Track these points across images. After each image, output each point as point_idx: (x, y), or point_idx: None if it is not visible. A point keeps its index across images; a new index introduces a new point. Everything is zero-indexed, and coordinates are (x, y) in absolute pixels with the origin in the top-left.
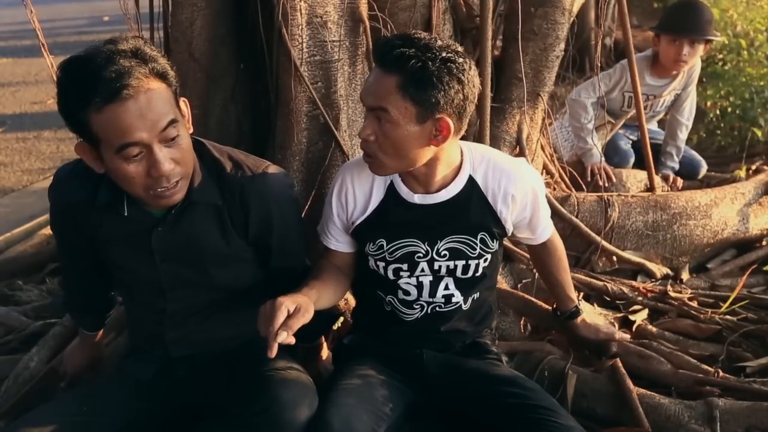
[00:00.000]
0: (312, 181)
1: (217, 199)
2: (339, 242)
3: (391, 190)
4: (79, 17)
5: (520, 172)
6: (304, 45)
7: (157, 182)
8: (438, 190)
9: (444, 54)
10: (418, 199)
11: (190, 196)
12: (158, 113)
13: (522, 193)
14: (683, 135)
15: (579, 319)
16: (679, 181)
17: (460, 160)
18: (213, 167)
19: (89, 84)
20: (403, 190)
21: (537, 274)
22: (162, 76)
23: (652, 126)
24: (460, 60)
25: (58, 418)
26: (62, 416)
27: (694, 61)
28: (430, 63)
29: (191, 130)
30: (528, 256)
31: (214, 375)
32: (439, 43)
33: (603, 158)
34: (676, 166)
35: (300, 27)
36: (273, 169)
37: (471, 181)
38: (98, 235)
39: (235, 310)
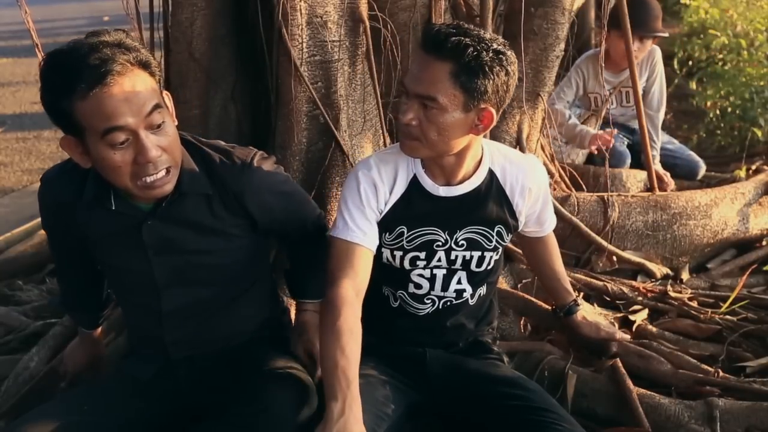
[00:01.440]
0: (312, 181)
1: (207, 188)
2: (366, 235)
3: (414, 184)
4: (78, 17)
5: (534, 167)
6: (304, 45)
7: (144, 169)
8: (460, 182)
9: (495, 45)
10: (442, 191)
11: (180, 187)
12: (143, 98)
13: (537, 187)
14: (656, 124)
15: (578, 315)
16: (671, 181)
17: (480, 154)
18: (201, 159)
19: (74, 71)
20: (428, 183)
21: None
22: (145, 66)
23: (635, 123)
24: (509, 53)
25: (58, 417)
26: (62, 416)
27: (643, 55)
28: (484, 53)
29: (176, 123)
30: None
31: (214, 375)
32: (489, 35)
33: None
34: (657, 154)
35: (300, 27)
36: (259, 156)
37: (491, 173)
38: (89, 234)
39: (234, 310)
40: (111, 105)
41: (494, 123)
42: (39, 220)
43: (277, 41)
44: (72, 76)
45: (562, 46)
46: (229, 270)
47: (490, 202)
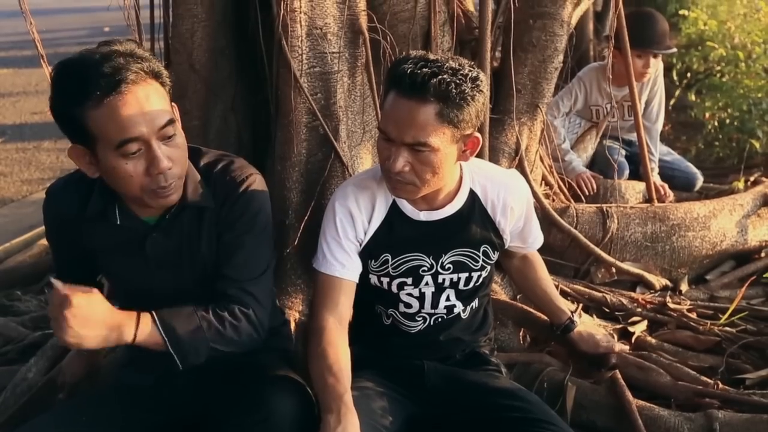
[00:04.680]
0: (311, 191)
1: (210, 202)
2: (345, 267)
3: (394, 209)
4: (79, 28)
5: (516, 184)
6: (304, 56)
7: (156, 181)
8: (442, 206)
9: (469, 72)
10: (423, 216)
11: (185, 199)
12: (157, 109)
13: (519, 204)
14: (654, 137)
15: (575, 332)
16: (670, 193)
17: (460, 174)
18: (205, 170)
19: (87, 79)
20: (408, 209)
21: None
22: (156, 76)
23: (633, 136)
24: (481, 74)
25: (56, 428)
26: (60, 426)
27: (655, 70)
28: (464, 85)
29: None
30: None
31: (212, 384)
32: (457, 62)
33: (584, 167)
34: (655, 165)
35: (300, 38)
36: (259, 179)
37: (472, 194)
38: (93, 246)
39: None
40: (125, 114)
41: (481, 145)
42: (38, 230)
43: (277, 53)
44: (85, 83)
45: (561, 58)
46: None
47: (473, 224)
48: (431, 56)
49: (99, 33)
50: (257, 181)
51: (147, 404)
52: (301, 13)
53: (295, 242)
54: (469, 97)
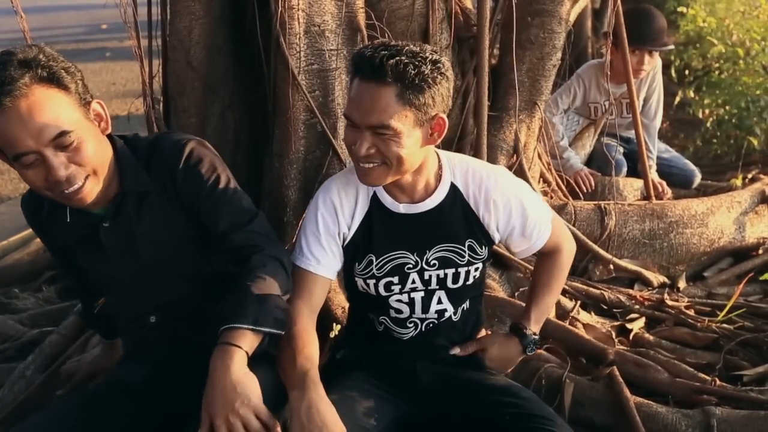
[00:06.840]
0: (309, 189)
1: (147, 185)
2: (320, 263)
3: (375, 202)
4: (77, 25)
5: (498, 178)
6: (302, 54)
7: (57, 186)
8: (422, 200)
9: (430, 56)
10: (403, 209)
11: (125, 187)
12: (43, 122)
13: (503, 199)
14: (652, 134)
15: (495, 348)
16: (668, 190)
17: (438, 167)
18: (145, 153)
19: None
20: (388, 201)
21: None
22: (53, 81)
23: (631, 133)
24: (443, 59)
25: (53, 425)
26: (58, 424)
27: (651, 68)
28: (423, 66)
29: (108, 130)
30: (524, 264)
31: (203, 377)
32: (418, 46)
33: (582, 164)
34: (653, 163)
35: (298, 36)
36: (196, 141)
37: (453, 188)
38: (65, 244)
39: (213, 308)
40: (10, 130)
41: (447, 127)
42: None
43: (274, 50)
44: None
45: (559, 55)
46: (190, 266)
47: (455, 218)
48: (395, 43)
49: (96, 30)
50: (196, 143)
51: (140, 398)
52: (298, 10)
53: (293, 239)
54: (429, 79)
